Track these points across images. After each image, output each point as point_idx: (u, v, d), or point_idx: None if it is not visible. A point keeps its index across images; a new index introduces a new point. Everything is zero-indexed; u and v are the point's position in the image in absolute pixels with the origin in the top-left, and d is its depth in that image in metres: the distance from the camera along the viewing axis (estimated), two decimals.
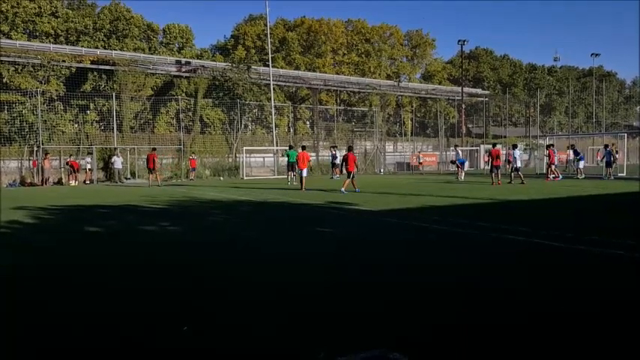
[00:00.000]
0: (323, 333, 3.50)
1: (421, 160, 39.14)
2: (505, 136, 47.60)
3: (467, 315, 3.86)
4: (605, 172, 24.82)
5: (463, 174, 26.06)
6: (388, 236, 7.87)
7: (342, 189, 16.63)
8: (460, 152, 29.01)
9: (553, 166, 24.17)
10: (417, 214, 10.58)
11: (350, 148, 18.87)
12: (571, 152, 28.18)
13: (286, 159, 24.89)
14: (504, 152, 27.73)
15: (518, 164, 21.61)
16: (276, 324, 3.71)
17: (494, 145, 22.48)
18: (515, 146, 22.59)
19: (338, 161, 28.92)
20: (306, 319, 3.80)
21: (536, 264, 5.70)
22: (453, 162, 21.95)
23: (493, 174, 20.82)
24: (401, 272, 5.34)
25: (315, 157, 37.20)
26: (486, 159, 28.25)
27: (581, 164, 25.64)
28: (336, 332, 3.51)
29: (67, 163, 27.34)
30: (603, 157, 25.38)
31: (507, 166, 25.43)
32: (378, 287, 4.72)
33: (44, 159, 26.80)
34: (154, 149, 25.36)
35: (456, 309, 4.01)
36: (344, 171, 17.60)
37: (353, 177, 17.28)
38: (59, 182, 27.04)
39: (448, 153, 40.79)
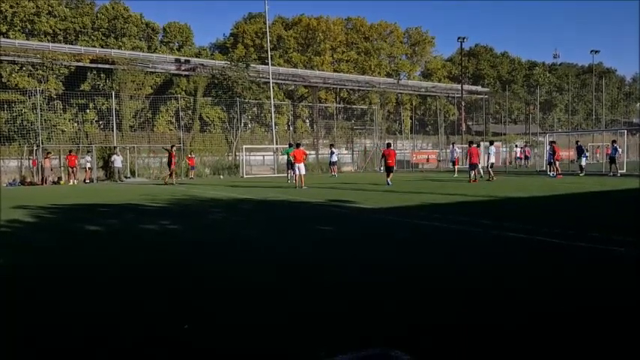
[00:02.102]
0: (323, 333, 3.49)
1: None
2: (505, 134, 47.57)
3: (467, 315, 3.85)
4: (610, 168, 24.85)
5: (455, 170, 26.64)
6: (388, 235, 7.86)
7: (389, 181, 18.69)
8: (457, 150, 29.19)
9: (557, 163, 24.30)
10: (418, 211, 10.57)
11: (389, 145, 21.15)
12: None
13: (286, 157, 24.94)
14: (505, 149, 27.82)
15: (492, 160, 21.94)
16: (277, 324, 3.70)
17: (470, 143, 22.57)
18: (491, 143, 23.02)
19: (334, 159, 29.01)
20: (307, 319, 3.80)
21: (537, 262, 5.69)
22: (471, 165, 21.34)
23: (472, 171, 20.70)
24: (401, 272, 5.34)
25: (314, 156, 37.20)
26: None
27: (584, 161, 25.60)
28: (336, 332, 3.50)
29: (67, 159, 27.36)
30: (610, 153, 25.45)
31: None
32: (378, 287, 4.71)
33: (45, 158, 26.83)
34: (173, 146, 25.48)
35: (456, 309, 4.01)
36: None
37: (392, 171, 19.52)
38: (58, 181, 27.02)
39: (449, 151, 40.85)
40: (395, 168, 20.06)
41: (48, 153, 27.33)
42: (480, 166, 22.47)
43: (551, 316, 3.75)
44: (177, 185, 22.46)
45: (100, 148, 29.75)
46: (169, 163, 23.40)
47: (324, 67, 46.76)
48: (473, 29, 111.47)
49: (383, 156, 20.02)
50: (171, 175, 23.59)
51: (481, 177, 21.65)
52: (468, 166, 21.66)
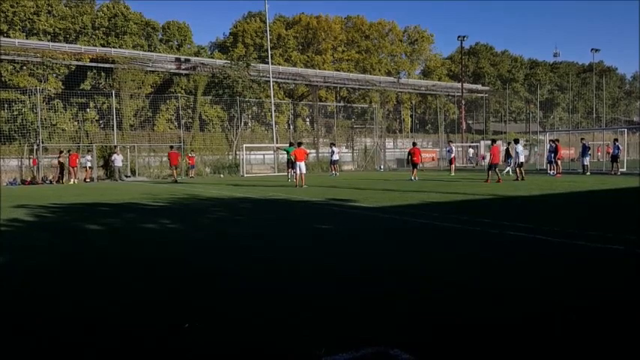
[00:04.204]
0: (323, 332, 3.50)
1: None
2: (505, 132, 47.58)
3: (466, 314, 3.86)
4: (612, 166, 24.87)
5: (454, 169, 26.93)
6: (389, 234, 7.87)
7: (412, 177, 21.26)
8: (453, 148, 29.20)
9: (559, 162, 24.29)
10: (418, 210, 10.57)
11: (414, 144, 23.48)
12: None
13: (286, 156, 24.94)
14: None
15: (522, 159, 21.34)
16: (277, 323, 3.71)
17: (492, 142, 21.60)
18: (517, 141, 22.32)
19: (335, 157, 28.82)
20: (306, 319, 3.80)
21: (537, 261, 5.69)
22: (491, 165, 20.00)
23: (491, 171, 19.77)
24: (400, 271, 5.34)
25: (315, 155, 37.19)
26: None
27: (587, 160, 25.47)
28: (336, 332, 3.51)
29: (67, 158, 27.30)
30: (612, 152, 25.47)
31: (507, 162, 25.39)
32: (378, 287, 4.72)
33: (59, 158, 26.92)
34: (172, 147, 26.98)
35: (456, 308, 4.01)
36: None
37: (417, 168, 22.14)
38: (59, 180, 27.03)
39: (444, 150, 40.89)
40: (420, 165, 22.62)
41: (61, 152, 27.28)
42: (509, 166, 22.26)
43: (551, 316, 3.76)
44: (176, 183, 22.77)
45: (101, 147, 29.79)
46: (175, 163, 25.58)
47: (325, 67, 46.72)
48: (473, 28, 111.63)
49: (409, 153, 22.63)
50: (175, 171, 25.53)
51: (509, 176, 20.99)
52: (487, 165, 20.66)
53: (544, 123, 57.42)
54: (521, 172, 20.63)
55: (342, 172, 31.89)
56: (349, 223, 9.07)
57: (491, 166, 19.89)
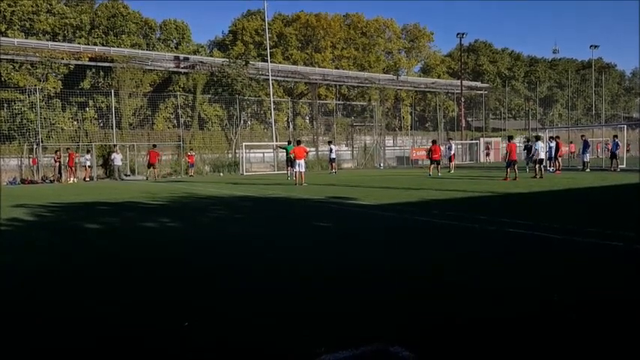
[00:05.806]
0: (323, 331, 3.50)
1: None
2: (505, 129, 47.53)
3: (466, 311, 3.86)
4: (611, 163, 24.85)
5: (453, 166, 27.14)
6: (388, 233, 7.86)
7: (429, 173, 22.91)
8: (453, 145, 29.20)
9: (560, 159, 24.27)
10: (417, 208, 10.56)
11: (434, 142, 24.79)
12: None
13: (285, 154, 24.88)
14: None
15: (542, 156, 20.81)
16: (277, 323, 3.71)
17: (509, 138, 20.68)
18: (537, 138, 21.86)
19: (333, 155, 28.75)
20: (307, 318, 3.80)
21: (536, 258, 5.69)
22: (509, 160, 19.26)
23: (509, 168, 19.18)
24: (400, 270, 5.34)
25: (314, 153, 37.16)
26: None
27: (587, 157, 25.39)
28: (336, 331, 3.51)
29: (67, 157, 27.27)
30: (611, 148, 25.43)
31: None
32: (378, 285, 4.73)
33: (55, 157, 26.96)
34: (155, 145, 27.55)
35: (455, 305, 4.01)
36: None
37: (438, 164, 23.66)
38: (59, 179, 27.02)
39: (444, 148, 40.78)
40: (440, 161, 24.26)
41: (56, 152, 27.24)
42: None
43: (549, 314, 3.76)
44: (151, 182, 23.72)
45: (100, 146, 29.77)
46: (153, 161, 26.87)
47: (325, 64, 46.64)
48: (472, 25, 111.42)
49: (429, 151, 24.32)
50: (154, 170, 26.96)
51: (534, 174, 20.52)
52: (506, 162, 19.84)
53: (543, 120, 57.39)
54: (540, 170, 20.19)
55: (341, 170, 31.87)
56: (349, 222, 9.06)
57: (510, 163, 19.33)
